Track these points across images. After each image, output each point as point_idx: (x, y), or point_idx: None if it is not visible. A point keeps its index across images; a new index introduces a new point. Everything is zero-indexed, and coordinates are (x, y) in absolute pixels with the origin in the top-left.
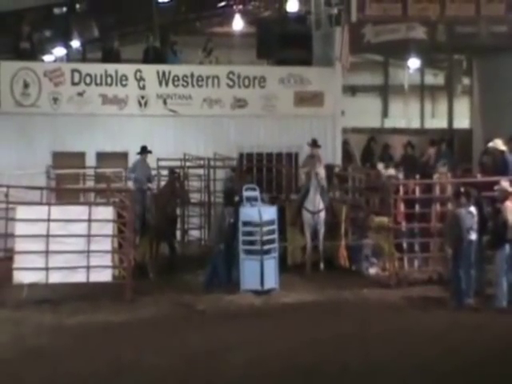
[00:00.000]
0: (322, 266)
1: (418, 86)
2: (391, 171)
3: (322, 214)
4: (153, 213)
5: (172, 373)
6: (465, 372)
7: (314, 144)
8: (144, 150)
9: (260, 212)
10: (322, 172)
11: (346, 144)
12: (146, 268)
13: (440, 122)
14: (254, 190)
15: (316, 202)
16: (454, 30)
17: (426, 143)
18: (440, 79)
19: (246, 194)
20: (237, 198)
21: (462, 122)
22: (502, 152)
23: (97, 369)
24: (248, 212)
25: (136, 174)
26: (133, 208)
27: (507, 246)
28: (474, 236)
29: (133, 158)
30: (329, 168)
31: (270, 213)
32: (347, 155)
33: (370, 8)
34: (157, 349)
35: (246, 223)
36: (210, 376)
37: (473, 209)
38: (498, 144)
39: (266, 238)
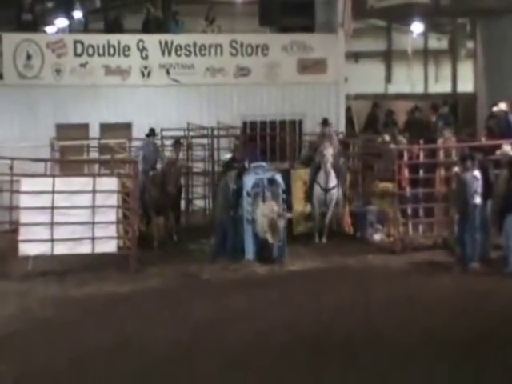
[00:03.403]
0: (324, 239)
1: (421, 51)
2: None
3: (334, 192)
4: (151, 194)
5: (177, 344)
6: (470, 341)
7: (325, 123)
8: (152, 133)
9: (265, 178)
10: (329, 151)
11: (347, 110)
12: (151, 237)
13: (444, 87)
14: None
15: (328, 179)
16: None
17: (430, 108)
18: (443, 43)
19: (253, 165)
20: (235, 165)
21: (466, 85)
22: (506, 113)
23: (102, 341)
24: (254, 178)
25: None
26: (137, 178)
27: None
28: (478, 200)
29: (136, 128)
30: None
31: (275, 177)
32: (350, 122)
33: None
34: (162, 320)
35: (250, 193)
36: (215, 347)
37: (477, 173)
38: (503, 107)
39: None
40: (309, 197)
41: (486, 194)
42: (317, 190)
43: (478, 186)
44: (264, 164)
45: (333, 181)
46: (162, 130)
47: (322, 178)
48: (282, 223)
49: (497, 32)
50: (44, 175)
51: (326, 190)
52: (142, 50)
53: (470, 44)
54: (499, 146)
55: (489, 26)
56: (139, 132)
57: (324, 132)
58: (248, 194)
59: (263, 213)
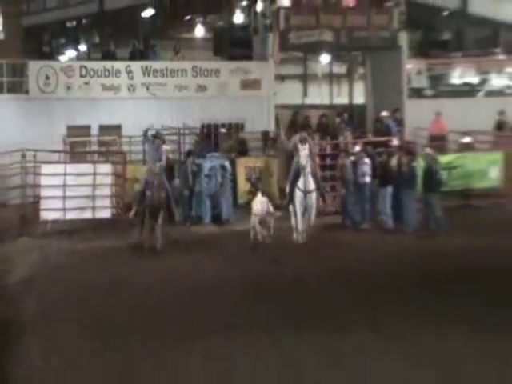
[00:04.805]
0: (303, 239)
1: (327, 74)
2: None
3: (314, 195)
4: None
5: (156, 286)
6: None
7: (304, 141)
8: (157, 136)
9: (217, 164)
10: (304, 153)
11: (276, 117)
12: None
13: (344, 100)
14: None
15: (307, 183)
16: (353, 34)
17: (335, 114)
18: (343, 69)
19: (209, 155)
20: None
21: (359, 99)
22: (387, 118)
23: (100, 280)
24: (209, 164)
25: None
26: (125, 164)
27: (390, 185)
28: (368, 179)
29: (124, 129)
30: (265, 133)
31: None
32: (278, 125)
33: (293, 19)
34: (143, 266)
35: (207, 174)
36: (185, 288)
37: (367, 160)
38: (384, 114)
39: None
40: (289, 200)
41: (373, 175)
42: (297, 193)
43: (368, 169)
44: (216, 154)
45: (311, 183)
46: (143, 130)
47: (301, 180)
48: (271, 221)
49: (380, 62)
50: (58, 162)
51: (306, 193)
52: (129, 72)
53: (361, 70)
54: (384, 142)
55: (374, 58)
56: (127, 131)
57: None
58: (206, 176)
59: (255, 211)
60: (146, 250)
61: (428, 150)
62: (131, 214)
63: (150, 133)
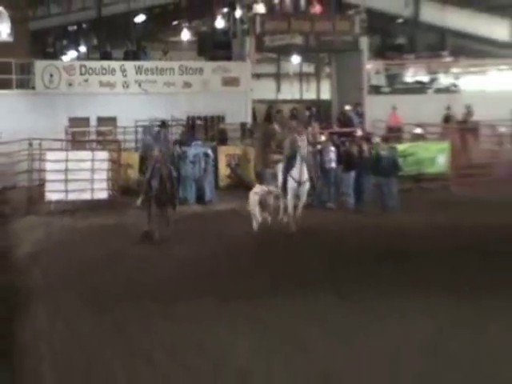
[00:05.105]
0: (293, 228)
1: (298, 73)
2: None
3: (307, 185)
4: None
5: (148, 258)
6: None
7: (301, 132)
8: (164, 125)
9: (201, 151)
10: (304, 143)
11: (253, 111)
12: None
13: (312, 95)
14: (199, 140)
15: (301, 172)
16: (320, 38)
17: (304, 108)
18: (311, 68)
19: (194, 143)
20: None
21: (326, 95)
22: (350, 111)
23: (98, 254)
24: (194, 151)
25: (154, 142)
26: (120, 151)
27: (353, 171)
28: (333, 165)
29: (119, 120)
30: (243, 125)
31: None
32: (255, 118)
33: (268, 24)
34: (136, 241)
35: (192, 161)
36: (173, 258)
37: (333, 148)
38: (347, 108)
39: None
40: (282, 191)
41: (338, 161)
42: (291, 182)
43: (333, 156)
44: (200, 142)
45: (305, 174)
46: (136, 121)
47: (296, 171)
48: (271, 199)
49: (343, 62)
50: (61, 149)
51: (300, 183)
52: (123, 71)
53: (327, 69)
54: (347, 132)
55: (339, 59)
56: (121, 122)
57: (292, 126)
58: (191, 162)
59: (255, 190)
60: (156, 240)
61: (377, 140)
62: (138, 202)
63: (154, 123)
